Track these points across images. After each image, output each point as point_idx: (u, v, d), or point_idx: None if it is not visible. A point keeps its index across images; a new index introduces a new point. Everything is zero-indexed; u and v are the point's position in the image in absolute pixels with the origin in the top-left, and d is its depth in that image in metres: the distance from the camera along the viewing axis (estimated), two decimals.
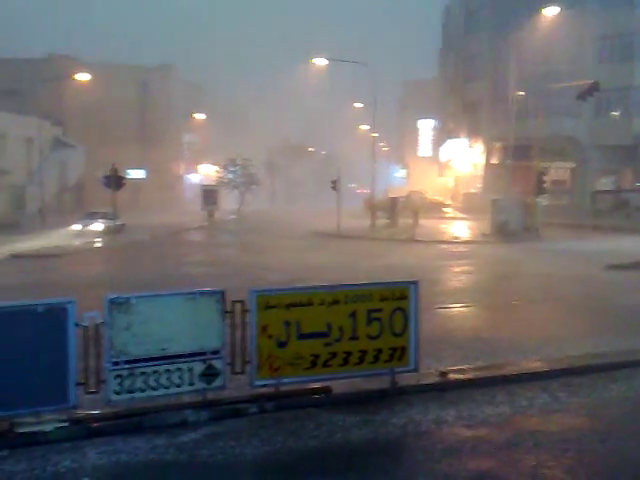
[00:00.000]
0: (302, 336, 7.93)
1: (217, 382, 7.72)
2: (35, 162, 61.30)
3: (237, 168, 67.67)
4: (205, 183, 66.51)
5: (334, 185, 38.89)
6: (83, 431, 7.09)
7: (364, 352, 8.16)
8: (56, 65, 69.13)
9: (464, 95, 61.19)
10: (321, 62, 45.84)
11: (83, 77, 48.57)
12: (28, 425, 7.01)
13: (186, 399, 7.74)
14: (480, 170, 58.01)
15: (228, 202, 63.20)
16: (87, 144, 68.93)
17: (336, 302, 8.04)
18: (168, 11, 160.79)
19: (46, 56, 73.20)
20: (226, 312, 7.75)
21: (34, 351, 7.03)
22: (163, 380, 7.50)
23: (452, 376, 8.86)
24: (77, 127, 70.39)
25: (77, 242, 32.78)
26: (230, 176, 67.56)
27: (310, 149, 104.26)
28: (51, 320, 7.11)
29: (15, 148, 59.90)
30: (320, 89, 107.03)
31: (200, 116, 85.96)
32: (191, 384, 7.62)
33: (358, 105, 74.87)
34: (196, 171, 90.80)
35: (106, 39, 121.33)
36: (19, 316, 7.10)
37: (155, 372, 7.47)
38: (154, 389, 7.48)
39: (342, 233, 36.09)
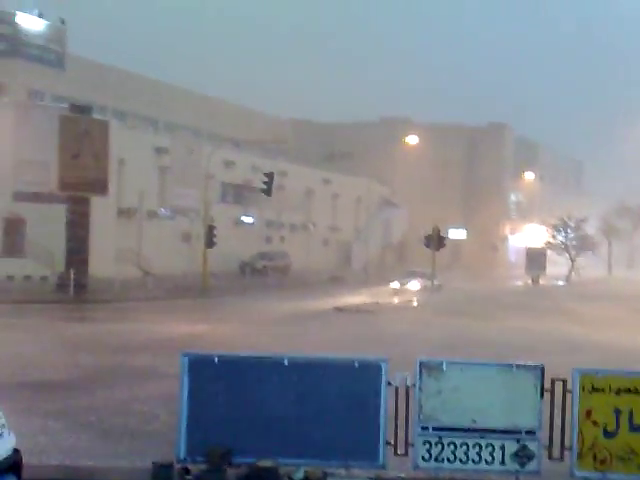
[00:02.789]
0: (636, 428, 7.06)
1: (531, 466, 7.18)
2: (362, 220, 65.96)
3: (569, 230, 61.31)
4: (531, 245, 63.33)
5: None
6: None
7: None
8: (388, 128, 74.16)
9: None
10: None
11: (412, 140, 50.89)
12: (339, 477, 7.18)
13: (494, 478, 7.27)
14: None
15: (556, 267, 59.12)
16: (411, 203, 71.99)
17: None
18: (503, 70, 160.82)
19: (380, 120, 78.93)
20: (544, 390, 7.15)
21: (349, 405, 7.25)
22: (472, 454, 7.22)
23: None
24: (403, 186, 73.96)
25: (395, 299, 34.05)
26: (560, 238, 61.09)
27: None
28: (365, 376, 7.30)
29: (345, 207, 65.24)
30: None
31: (529, 175, 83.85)
32: (502, 463, 7.23)
33: None
34: (522, 232, 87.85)
35: (439, 100, 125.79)
36: (337, 369, 7.43)
37: (464, 444, 7.23)
38: (463, 462, 7.23)
39: None
